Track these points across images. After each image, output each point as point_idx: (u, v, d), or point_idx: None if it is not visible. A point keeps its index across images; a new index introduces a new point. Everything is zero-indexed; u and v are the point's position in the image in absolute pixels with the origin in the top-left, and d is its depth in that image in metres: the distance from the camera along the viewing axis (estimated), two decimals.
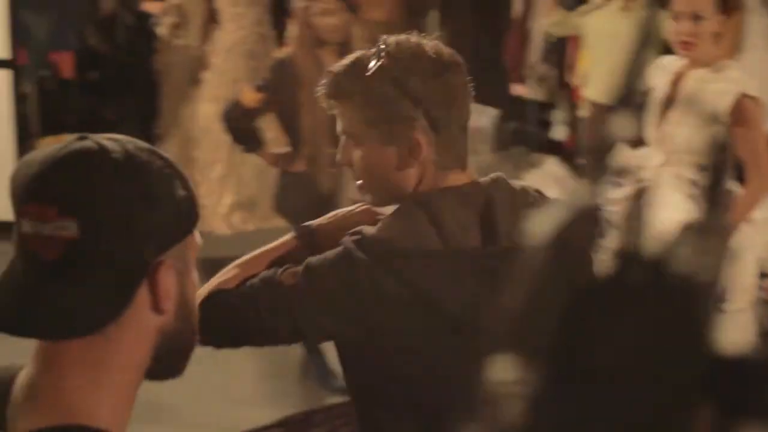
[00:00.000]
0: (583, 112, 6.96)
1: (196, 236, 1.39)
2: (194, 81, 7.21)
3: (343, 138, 2.09)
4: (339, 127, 2.09)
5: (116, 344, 1.30)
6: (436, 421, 2.01)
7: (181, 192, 1.34)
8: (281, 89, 4.61)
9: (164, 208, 1.32)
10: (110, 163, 1.28)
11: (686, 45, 4.04)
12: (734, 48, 5.02)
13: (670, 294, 0.65)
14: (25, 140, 6.86)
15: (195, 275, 1.41)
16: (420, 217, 1.97)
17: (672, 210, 2.76)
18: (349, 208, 2.25)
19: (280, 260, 2.10)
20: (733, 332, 0.83)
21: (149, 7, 7.54)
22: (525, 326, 0.65)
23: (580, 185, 0.66)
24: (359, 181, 2.11)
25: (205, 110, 7.12)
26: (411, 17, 8.68)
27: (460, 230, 1.98)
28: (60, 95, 8.21)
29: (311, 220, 2.26)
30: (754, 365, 0.67)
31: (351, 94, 2.04)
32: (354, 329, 1.98)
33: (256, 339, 2.10)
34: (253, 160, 6.26)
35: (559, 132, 7.89)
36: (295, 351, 4.79)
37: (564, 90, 7.63)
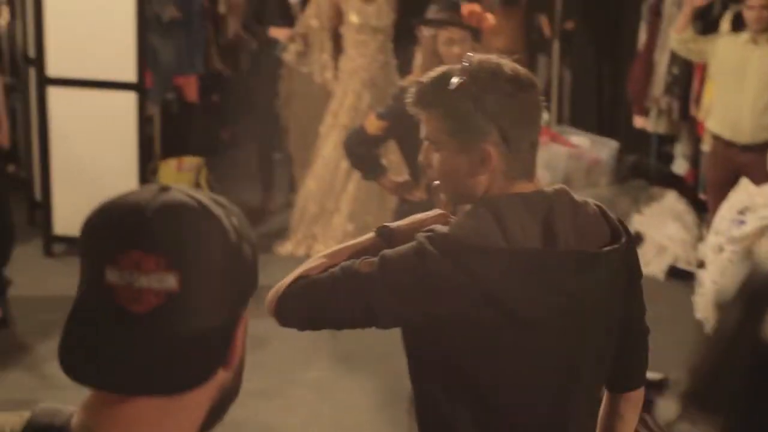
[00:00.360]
0: (705, 146, 6.82)
1: None
2: (317, 108, 7.28)
3: (425, 143, 2.28)
4: (422, 132, 2.27)
5: (187, 401, 1.25)
6: (492, 410, 2.20)
7: (251, 245, 1.31)
8: (403, 117, 4.60)
9: (246, 261, 1.29)
10: (210, 216, 1.25)
11: None
12: None
13: None
14: (147, 161, 7.00)
15: None
16: (487, 218, 2.14)
17: None
18: (427, 213, 2.42)
19: (361, 254, 2.28)
20: None
21: (275, 34, 7.64)
22: (713, 383, 0.62)
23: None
24: (436, 182, 2.29)
25: (326, 136, 7.18)
26: (533, 46, 8.66)
27: (522, 232, 2.14)
28: (183, 118, 8.35)
29: None
30: None
31: (434, 105, 2.23)
32: (421, 316, 2.15)
33: (333, 321, 2.28)
34: (370, 186, 6.28)
35: (680, 166, 7.73)
36: (406, 382, 4.78)
37: (687, 123, 7.49)
